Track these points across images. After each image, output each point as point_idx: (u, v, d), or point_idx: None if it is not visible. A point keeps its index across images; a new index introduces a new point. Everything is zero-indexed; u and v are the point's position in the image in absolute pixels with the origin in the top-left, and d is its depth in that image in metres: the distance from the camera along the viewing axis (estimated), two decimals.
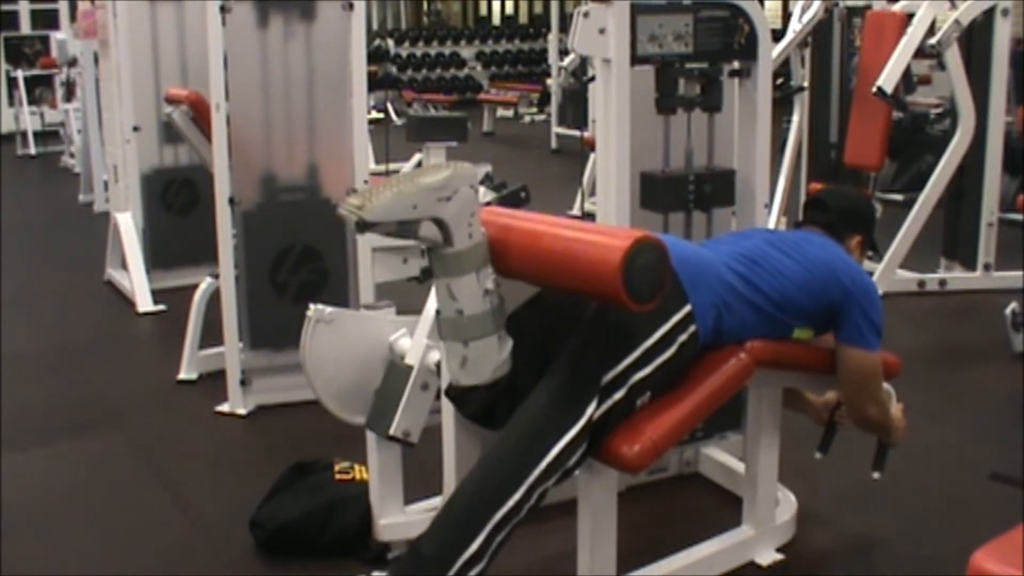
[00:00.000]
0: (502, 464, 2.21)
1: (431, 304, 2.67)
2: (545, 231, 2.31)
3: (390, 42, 16.00)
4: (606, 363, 2.27)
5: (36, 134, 11.26)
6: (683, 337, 2.35)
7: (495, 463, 2.23)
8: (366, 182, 3.87)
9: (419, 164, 4.08)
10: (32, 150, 11.19)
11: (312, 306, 2.74)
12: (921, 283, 5.42)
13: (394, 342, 2.75)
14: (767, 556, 2.79)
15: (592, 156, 6.32)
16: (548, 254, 2.27)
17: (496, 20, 18.99)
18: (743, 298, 2.48)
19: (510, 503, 2.15)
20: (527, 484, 2.16)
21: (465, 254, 2.21)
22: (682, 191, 2.95)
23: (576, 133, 10.27)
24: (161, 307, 5.30)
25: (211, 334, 4.18)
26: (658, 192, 2.96)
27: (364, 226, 2.16)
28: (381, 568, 2.75)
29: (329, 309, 2.72)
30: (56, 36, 11.48)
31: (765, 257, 2.56)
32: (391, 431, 2.62)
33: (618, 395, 2.26)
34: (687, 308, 2.36)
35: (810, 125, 6.21)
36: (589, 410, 2.22)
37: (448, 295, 2.24)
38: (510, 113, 13.67)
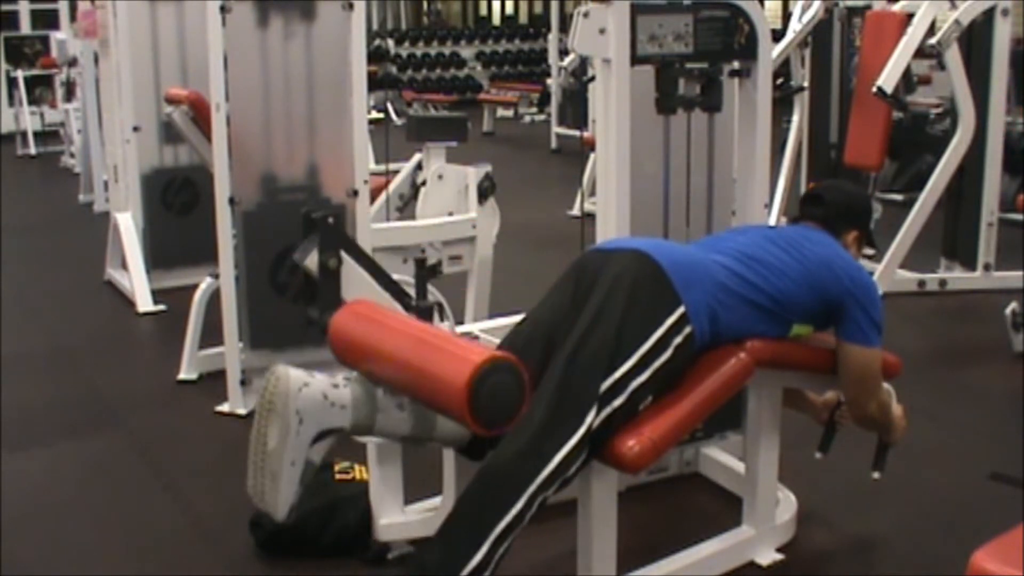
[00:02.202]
0: (503, 475, 2.21)
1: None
2: (399, 349, 2.20)
3: (390, 42, 15.98)
4: (603, 371, 2.27)
5: (36, 134, 11.25)
6: (678, 340, 2.36)
7: (496, 474, 2.22)
8: (366, 182, 3.87)
9: (419, 164, 4.07)
10: (32, 150, 11.19)
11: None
12: (921, 283, 5.42)
13: None
14: (767, 556, 2.79)
15: (592, 156, 6.32)
16: (406, 371, 2.17)
17: (496, 20, 18.99)
18: (740, 296, 2.48)
19: (512, 513, 2.15)
20: (529, 493, 2.17)
21: (360, 419, 2.20)
22: None
23: (576, 133, 10.27)
24: (161, 307, 5.30)
25: (211, 334, 4.18)
26: None
27: (288, 518, 2.16)
28: (381, 568, 2.75)
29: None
30: (56, 36, 11.46)
31: (763, 253, 2.56)
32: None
33: (618, 402, 2.27)
34: (681, 310, 2.37)
35: (810, 125, 6.21)
36: (588, 419, 2.22)
37: (385, 435, 2.28)
38: (510, 113, 13.66)
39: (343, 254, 2.67)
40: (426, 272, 3.19)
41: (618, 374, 2.28)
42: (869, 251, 3.01)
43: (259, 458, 2.15)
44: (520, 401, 2.06)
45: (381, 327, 2.30)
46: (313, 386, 2.16)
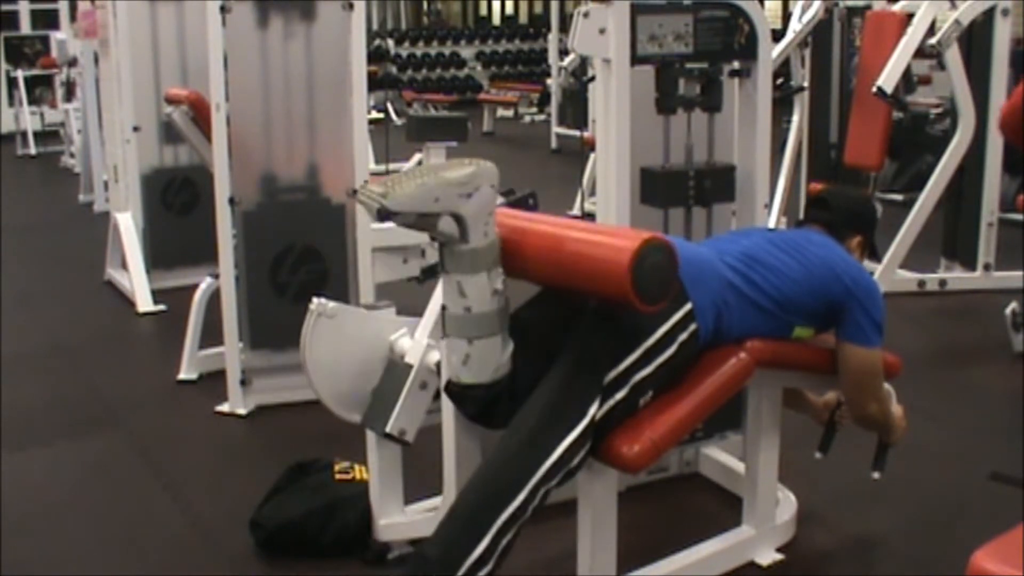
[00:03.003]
0: (506, 466, 2.21)
1: (433, 304, 2.67)
2: (556, 232, 2.33)
3: (390, 42, 15.99)
4: (608, 363, 2.27)
5: (36, 134, 11.26)
6: (683, 336, 2.35)
7: (499, 465, 2.23)
8: (366, 182, 3.87)
9: (419, 164, 4.08)
10: (32, 150, 11.19)
11: (315, 299, 2.72)
12: (921, 283, 5.42)
13: (394, 341, 2.75)
14: (767, 556, 2.79)
15: (592, 156, 6.32)
16: (559, 255, 2.29)
17: (496, 20, 19.00)
18: (744, 296, 2.49)
19: (515, 504, 2.15)
20: (531, 485, 2.17)
21: (480, 252, 2.23)
22: (682, 186, 2.95)
23: (576, 133, 10.27)
24: (161, 307, 5.30)
25: (211, 334, 4.18)
26: (658, 187, 2.96)
27: (386, 215, 2.16)
28: (381, 568, 2.75)
29: (332, 304, 2.71)
30: (56, 36, 11.47)
31: (766, 255, 2.56)
32: (387, 429, 2.62)
33: (620, 395, 2.27)
34: (688, 306, 2.36)
35: (810, 125, 6.21)
36: (591, 411, 2.22)
37: (458, 292, 2.25)
38: (510, 113, 13.67)
39: None
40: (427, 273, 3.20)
41: (622, 367, 2.28)
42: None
43: (428, 173, 2.18)
44: (674, 276, 2.22)
45: (524, 228, 2.38)
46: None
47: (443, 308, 2.32)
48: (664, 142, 3.01)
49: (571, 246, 2.28)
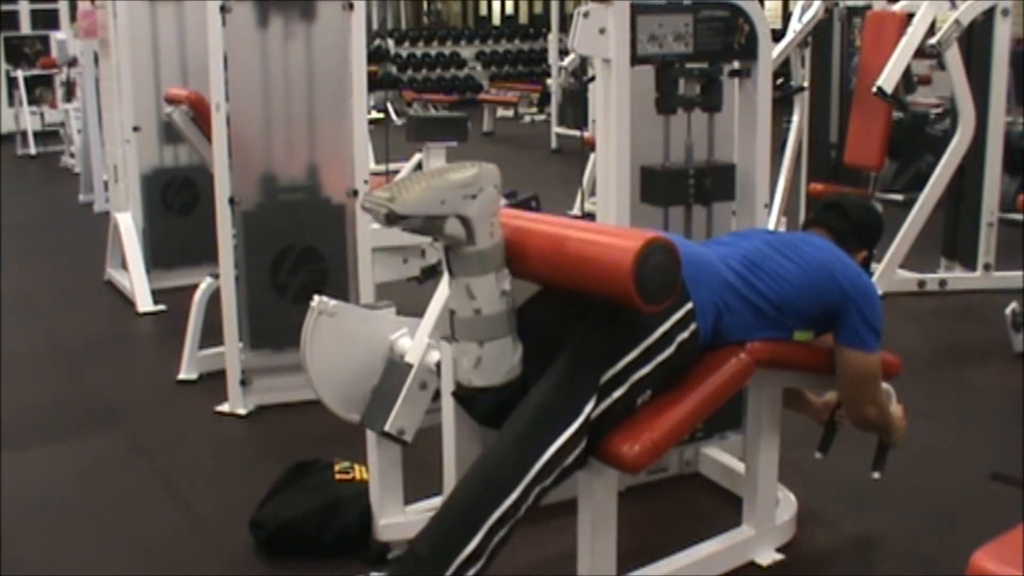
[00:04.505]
0: (499, 463, 2.21)
1: (435, 303, 2.68)
2: (559, 232, 2.34)
3: (390, 42, 15.99)
4: (605, 361, 2.27)
5: (36, 134, 11.26)
6: (683, 335, 2.35)
7: (492, 462, 2.23)
8: (366, 182, 3.87)
9: (419, 165, 4.09)
10: (32, 150, 11.19)
11: (316, 297, 2.73)
12: (921, 283, 5.42)
13: (395, 341, 2.75)
14: (767, 556, 2.79)
15: (592, 156, 6.32)
16: (561, 255, 2.30)
17: (496, 20, 19.00)
18: (743, 298, 2.48)
19: (507, 502, 2.15)
20: (524, 483, 2.16)
21: (486, 253, 2.24)
22: (682, 184, 2.96)
23: (576, 133, 10.27)
24: (161, 307, 5.30)
25: (211, 334, 4.18)
26: (658, 185, 2.96)
27: (394, 219, 2.18)
28: (380, 568, 2.75)
29: (333, 302, 2.72)
30: (56, 36, 11.49)
31: (764, 259, 2.55)
32: (386, 427, 2.63)
33: (618, 393, 2.27)
34: (688, 306, 2.36)
35: (810, 125, 6.20)
36: (587, 409, 2.22)
37: (467, 295, 2.26)
38: (510, 113, 13.66)
39: None
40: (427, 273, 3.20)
41: (620, 365, 2.27)
42: None
43: (432, 176, 2.22)
44: (677, 276, 2.21)
45: (527, 228, 2.38)
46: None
47: (452, 313, 2.32)
48: (664, 143, 3.01)
49: (574, 247, 2.28)
